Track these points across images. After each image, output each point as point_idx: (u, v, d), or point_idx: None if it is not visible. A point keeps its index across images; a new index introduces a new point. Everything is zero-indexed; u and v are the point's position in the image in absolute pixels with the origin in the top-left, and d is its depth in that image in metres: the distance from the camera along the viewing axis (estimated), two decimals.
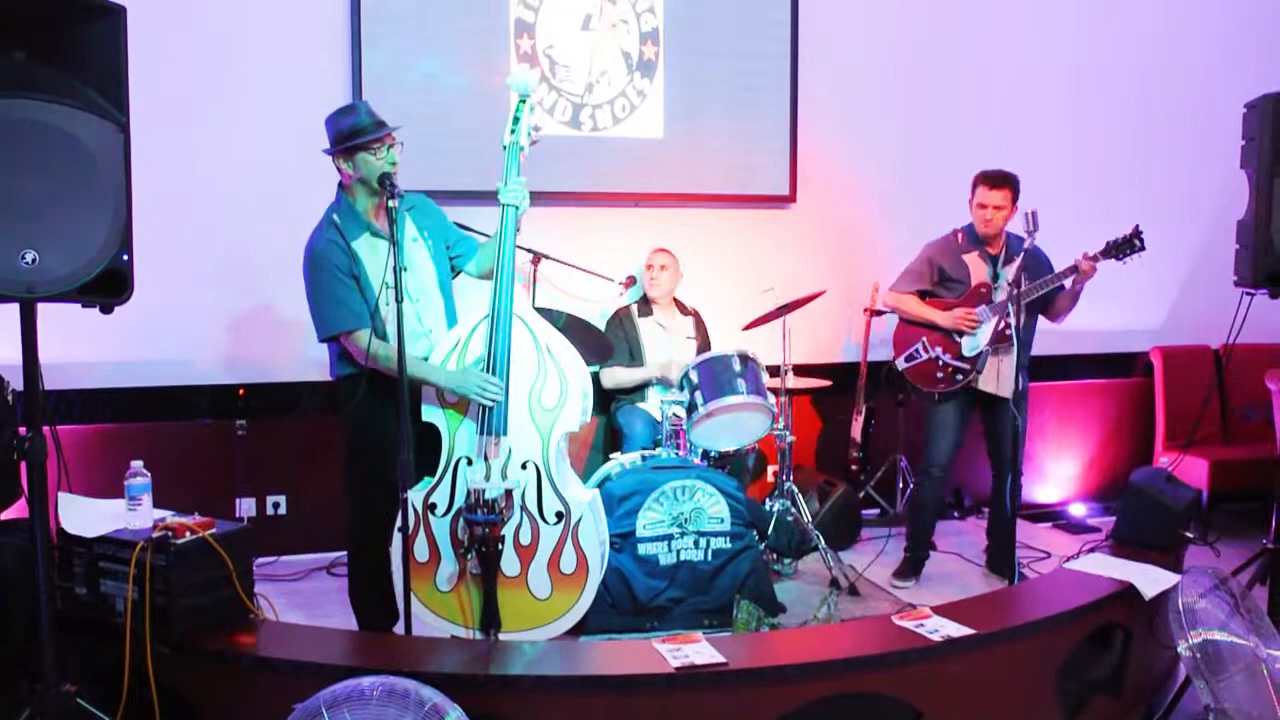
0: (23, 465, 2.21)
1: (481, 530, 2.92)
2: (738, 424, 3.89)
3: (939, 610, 2.83)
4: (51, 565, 2.44)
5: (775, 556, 4.19)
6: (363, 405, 3.10)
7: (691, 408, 3.80)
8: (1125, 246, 3.75)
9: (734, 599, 3.45)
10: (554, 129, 4.56)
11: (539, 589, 3.09)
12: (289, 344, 4.33)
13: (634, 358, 4.41)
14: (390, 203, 2.85)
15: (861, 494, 4.97)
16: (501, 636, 2.99)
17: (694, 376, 3.85)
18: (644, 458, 3.70)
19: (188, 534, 2.57)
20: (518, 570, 3.07)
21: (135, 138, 2.20)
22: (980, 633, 2.68)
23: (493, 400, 3.00)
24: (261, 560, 4.23)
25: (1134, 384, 5.53)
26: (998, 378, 3.94)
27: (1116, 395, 5.51)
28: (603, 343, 4.23)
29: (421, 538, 3.08)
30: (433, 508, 3.08)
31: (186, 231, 4.18)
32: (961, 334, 3.98)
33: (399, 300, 2.72)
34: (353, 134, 3.02)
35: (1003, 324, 3.87)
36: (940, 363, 4.01)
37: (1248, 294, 3.29)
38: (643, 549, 3.51)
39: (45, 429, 2.22)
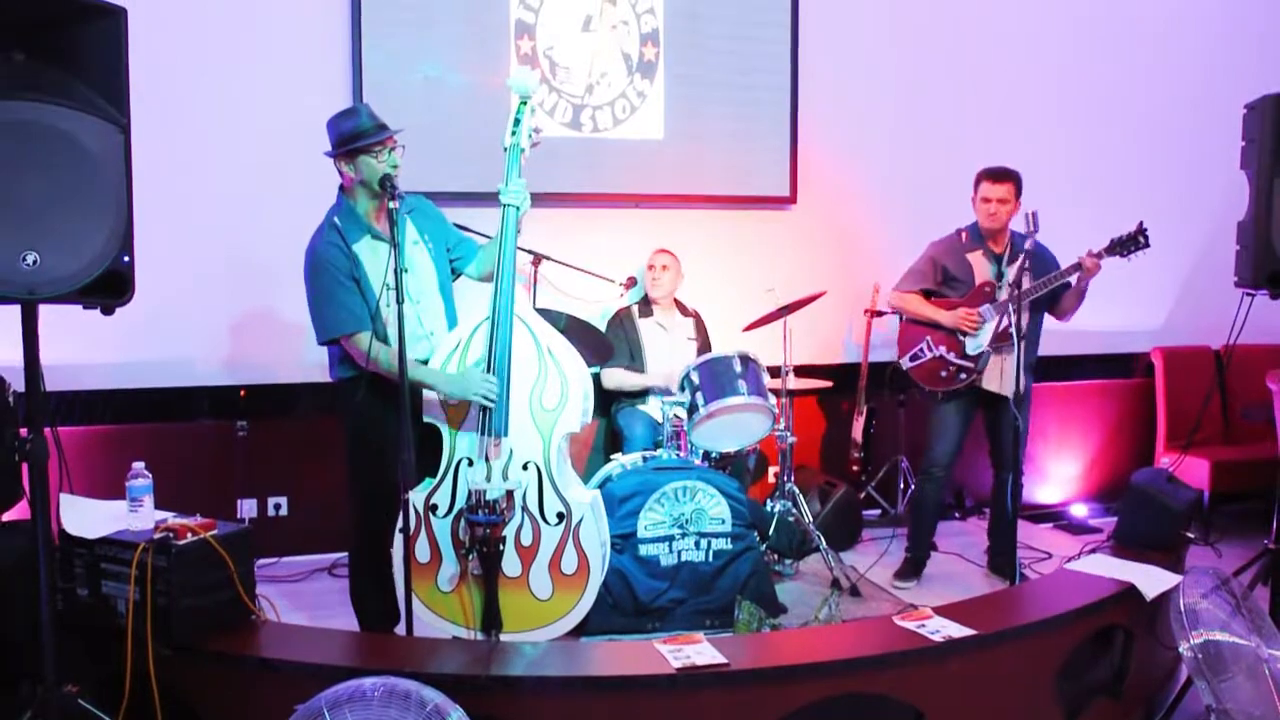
0: (24, 466, 2.21)
1: (483, 531, 2.92)
2: (739, 425, 3.89)
3: (940, 611, 2.84)
4: (53, 566, 2.43)
5: (776, 557, 4.19)
6: (363, 407, 3.11)
7: (692, 409, 3.80)
8: (1130, 243, 3.75)
9: (735, 600, 3.45)
10: (554, 130, 4.56)
11: (540, 590, 3.09)
12: (290, 345, 4.34)
13: (634, 359, 4.42)
14: (391, 204, 2.85)
15: (863, 494, 4.97)
16: (503, 637, 2.99)
17: (695, 377, 3.85)
18: (645, 459, 3.71)
19: (189, 535, 2.57)
20: (519, 571, 3.07)
21: (136, 139, 2.20)
22: (981, 633, 2.68)
23: (492, 400, 3.01)
24: (263, 561, 4.23)
25: (1135, 384, 5.52)
26: (1001, 377, 3.94)
27: (1117, 396, 5.50)
28: (603, 343, 4.24)
29: (423, 539, 3.08)
30: (434, 509, 3.08)
31: (187, 233, 4.18)
32: (965, 333, 3.98)
33: (399, 302, 2.72)
34: (354, 137, 3.02)
35: (1004, 323, 3.87)
36: (945, 362, 4.01)
37: (1248, 295, 3.28)
38: (644, 550, 3.51)
39: (47, 430, 2.22)
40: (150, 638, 2.46)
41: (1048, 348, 4.19)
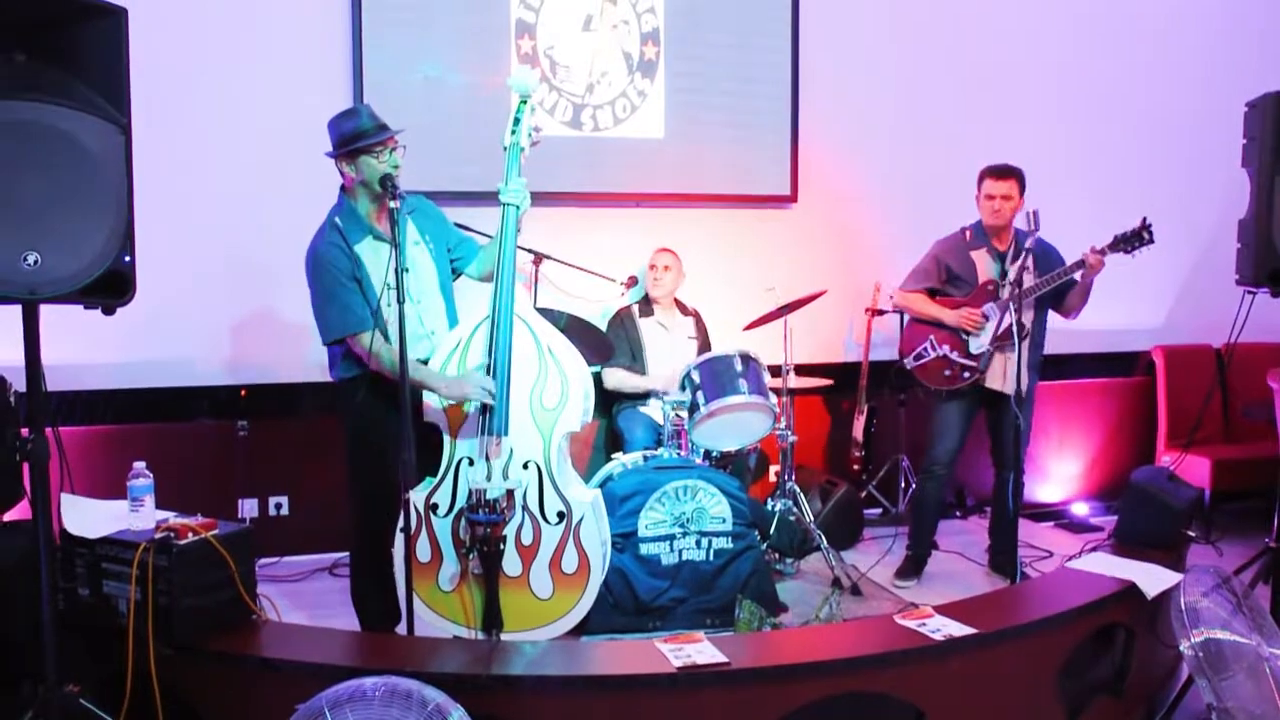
0: (25, 466, 2.22)
1: (483, 530, 2.93)
2: (739, 424, 3.89)
3: (941, 610, 2.83)
4: (54, 566, 2.44)
5: (777, 556, 4.19)
6: (364, 406, 3.11)
7: (693, 408, 3.80)
8: (1134, 239, 3.73)
9: (736, 599, 3.45)
10: (555, 129, 4.56)
11: (541, 589, 3.09)
12: (291, 345, 4.34)
13: (635, 358, 4.42)
14: (392, 204, 2.85)
15: (863, 493, 4.97)
16: (504, 637, 2.99)
17: (696, 376, 3.85)
18: (646, 458, 3.70)
19: (190, 535, 2.57)
20: (519, 570, 3.07)
21: (137, 139, 2.20)
22: (982, 632, 2.68)
23: (490, 398, 3.01)
24: (264, 561, 4.24)
25: (1136, 383, 5.52)
26: (1004, 375, 3.94)
27: (1118, 394, 5.50)
28: (604, 343, 4.24)
29: (423, 538, 3.08)
30: (434, 508, 3.08)
31: (188, 233, 4.19)
32: (968, 333, 3.98)
33: (400, 302, 2.72)
34: (355, 137, 3.02)
35: (1007, 321, 3.86)
36: (948, 361, 4.01)
37: (1249, 293, 3.28)
38: (645, 549, 3.51)
39: (48, 430, 2.22)
40: (151, 637, 2.46)
41: (1050, 346, 4.18)
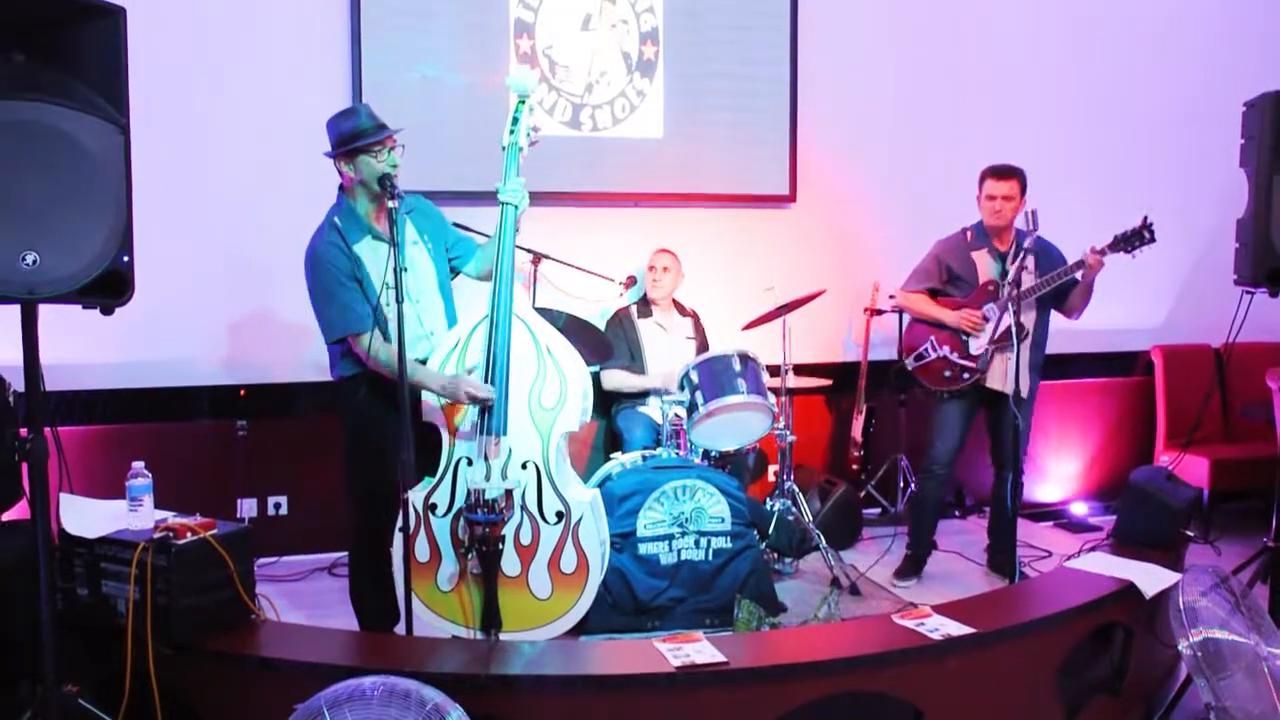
0: (24, 466, 2.22)
1: (482, 530, 2.92)
2: (738, 423, 3.89)
3: (939, 609, 2.83)
4: (53, 566, 2.44)
5: (776, 556, 4.19)
6: (364, 406, 3.12)
7: (692, 407, 3.80)
8: (1135, 239, 3.73)
9: (735, 598, 3.45)
10: (553, 129, 4.56)
11: (540, 589, 3.09)
12: (290, 345, 4.34)
13: (634, 359, 4.42)
14: (391, 204, 2.85)
15: (862, 493, 4.97)
16: (502, 636, 2.99)
17: (694, 376, 3.85)
18: (645, 457, 3.71)
19: (189, 535, 2.57)
20: (518, 570, 3.07)
21: (136, 139, 2.20)
22: (981, 631, 2.68)
23: (490, 400, 3.01)
24: (263, 561, 4.24)
25: (1135, 383, 5.53)
26: (1004, 375, 3.94)
27: (1117, 394, 5.50)
28: (603, 342, 4.23)
29: (422, 538, 3.08)
30: (433, 508, 3.08)
31: (187, 233, 4.18)
32: (967, 333, 3.98)
33: (399, 301, 2.72)
34: (353, 136, 3.03)
35: (1006, 321, 3.86)
36: (948, 362, 4.01)
37: (1248, 292, 3.28)
38: (643, 549, 3.51)
39: (46, 430, 2.22)
40: (150, 637, 2.46)
41: (1049, 346, 4.18)
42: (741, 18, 4.82)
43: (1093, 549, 3.50)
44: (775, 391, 4.08)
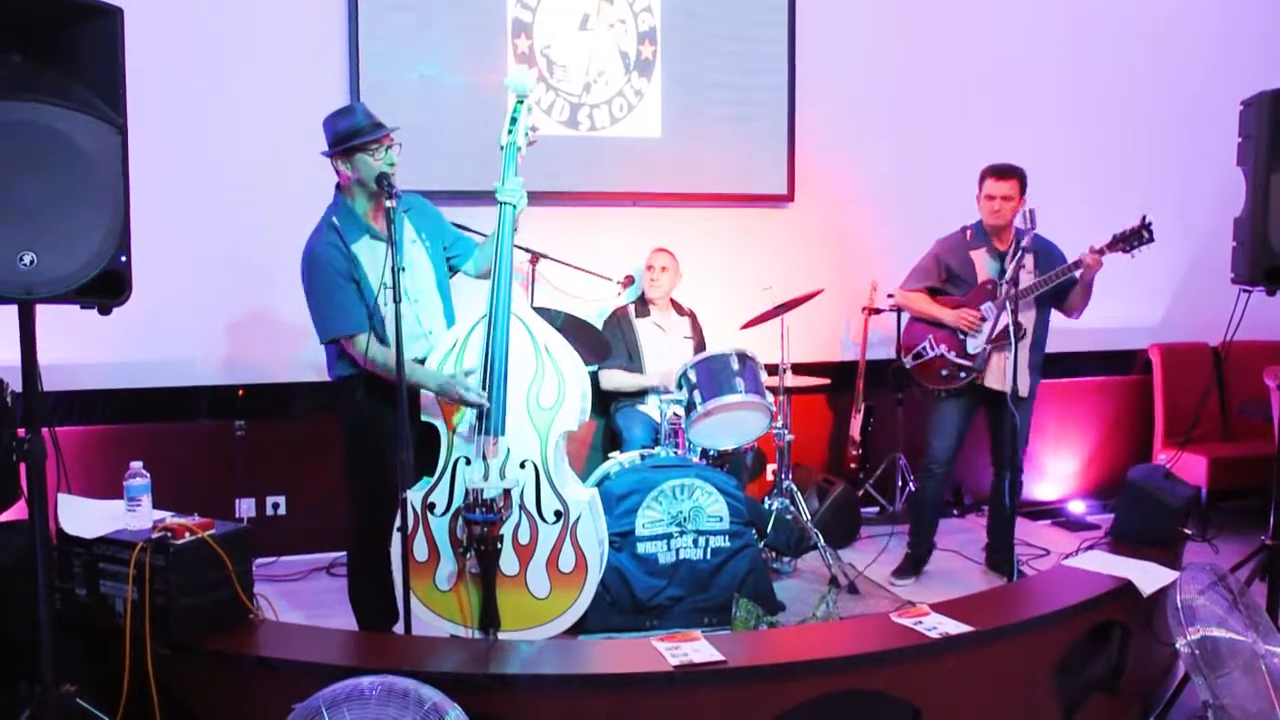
0: (22, 466, 2.22)
1: (480, 529, 2.93)
2: (736, 423, 3.89)
3: (937, 608, 2.84)
4: (51, 566, 2.43)
5: (774, 555, 4.19)
6: (362, 405, 3.12)
7: (690, 406, 3.80)
8: (1134, 238, 3.73)
9: (733, 597, 3.45)
10: (552, 129, 4.56)
11: (538, 588, 3.09)
12: (289, 345, 4.34)
13: (633, 359, 4.42)
14: (388, 203, 2.85)
15: (860, 492, 4.97)
16: (501, 636, 2.99)
17: (692, 375, 3.85)
18: (643, 456, 3.71)
19: (187, 535, 2.57)
20: (517, 569, 3.08)
21: (133, 139, 2.20)
22: (979, 630, 2.68)
23: (483, 403, 3.01)
24: (261, 560, 4.24)
25: (1133, 381, 5.53)
26: (1003, 375, 3.94)
27: (1115, 392, 5.51)
28: (601, 342, 4.24)
29: (420, 537, 3.09)
30: (431, 507, 3.09)
31: (186, 232, 4.18)
32: (965, 332, 3.99)
33: (397, 301, 2.72)
34: (350, 135, 3.02)
35: (1004, 320, 3.86)
36: (945, 360, 4.01)
37: (1245, 291, 3.28)
38: (642, 548, 3.51)
39: (44, 430, 2.21)
40: (148, 637, 2.46)
41: (1048, 345, 4.18)
42: (740, 17, 4.82)
43: (1090, 547, 3.50)
44: (773, 390, 4.08)
